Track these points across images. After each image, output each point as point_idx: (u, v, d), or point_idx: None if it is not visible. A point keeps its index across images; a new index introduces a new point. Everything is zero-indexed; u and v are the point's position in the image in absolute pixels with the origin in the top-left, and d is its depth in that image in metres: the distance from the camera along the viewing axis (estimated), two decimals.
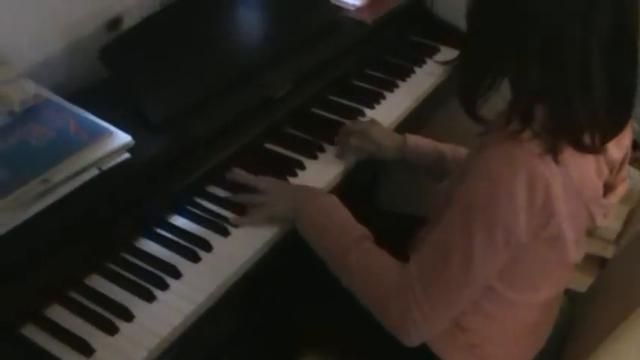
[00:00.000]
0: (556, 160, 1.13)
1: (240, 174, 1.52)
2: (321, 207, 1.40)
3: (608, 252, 2.34)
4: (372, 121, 1.68)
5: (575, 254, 1.27)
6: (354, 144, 1.62)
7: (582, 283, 1.69)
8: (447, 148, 1.66)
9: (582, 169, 1.19)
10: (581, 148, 1.16)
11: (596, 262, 2.30)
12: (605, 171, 1.27)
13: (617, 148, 1.27)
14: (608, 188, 1.29)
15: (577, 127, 1.15)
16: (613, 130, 1.20)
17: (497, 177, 1.14)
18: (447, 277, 1.20)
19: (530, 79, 1.14)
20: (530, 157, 1.13)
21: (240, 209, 1.44)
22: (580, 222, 1.24)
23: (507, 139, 1.15)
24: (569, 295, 1.57)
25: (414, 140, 1.66)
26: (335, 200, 1.42)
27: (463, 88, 1.25)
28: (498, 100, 1.26)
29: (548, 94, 1.15)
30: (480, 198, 1.16)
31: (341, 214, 1.39)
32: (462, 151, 1.65)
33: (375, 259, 1.30)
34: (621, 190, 1.31)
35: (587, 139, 1.16)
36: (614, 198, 1.30)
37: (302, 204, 1.41)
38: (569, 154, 1.15)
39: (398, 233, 1.45)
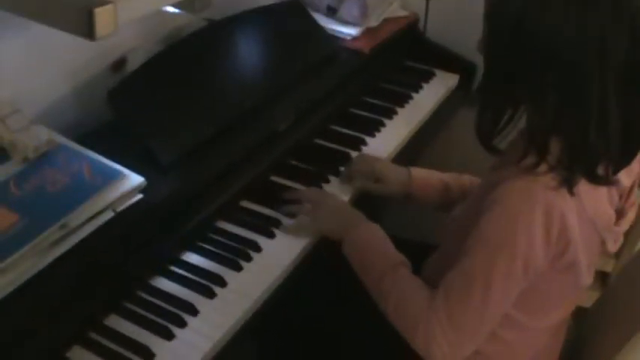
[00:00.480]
0: (571, 193, 1.17)
1: (291, 192, 1.59)
2: (367, 232, 1.46)
3: (609, 266, 2.38)
4: (376, 159, 1.72)
5: (588, 279, 1.31)
6: (359, 184, 1.66)
7: (585, 297, 1.72)
8: (451, 179, 1.69)
9: (595, 199, 1.24)
10: (596, 180, 1.20)
11: (597, 276, 2.33)
12: (616, 198, 1.31)
13: (627, 175, 1.31)
14: (618, 214, 1.33)
15: (593, 160, 1.19)
16: (625, 160, 1.25)
17: (515, 212, 1.19)
18: (469, 307, 1.24)
19: (548, 113, 1.18)
20: (546, 191, 1.17)
21: (252, 246, 1.47)
22: (593, 249, 1.28)
23: (523, 173, 1.19)
24: (575, 311, 1.60)
25: (419, 174, 1.69)
26: (377, 227, 1.47)
27: (481, 123, 1.28)
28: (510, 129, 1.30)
29: (565, 128, 1.19)
30: (499, 232, 1.21)
31: (383, 240, 1.44)
32: (465, 179, 1.69)
33: (407, 285, 1.34)
34: (631, 215, 1.36)
35: (600, 170, 1.20)
36: (625, 224, 1.34)
37: (351, 226, 1.47)
38: (582, 185, 1.19)
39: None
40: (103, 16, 0.98)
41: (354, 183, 1.67)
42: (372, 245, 1.44)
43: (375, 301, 1.38)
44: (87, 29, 0.99)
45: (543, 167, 1.19)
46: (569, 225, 1.19)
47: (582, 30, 1.13)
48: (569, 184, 1.18)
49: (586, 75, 1.14)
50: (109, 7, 0.99)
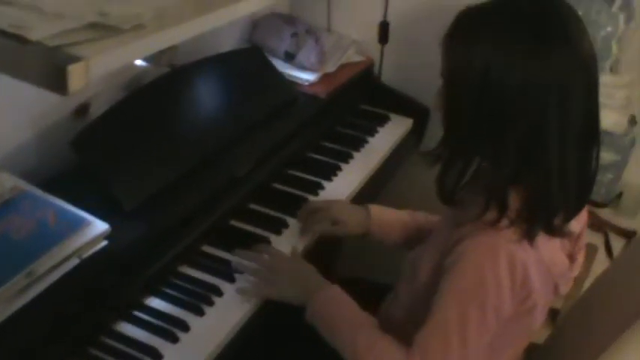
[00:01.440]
0: (531, 244, 1.22)
1: (246, 253, 1.56)
2: (331, 297, 1.44)
3: (559, 303, 2.44)
4: (333, 202, 1.75)
5: (541, 320, 1.36)
6: (316, 227, 1.68)
7: (536, 334, 1.76)
8: (407, 216, 1.74)
9: (551, 248, 1.30)
10: (553, 231, 1.26)
11: (548, 314, 2.39)
12: (567, 245, 1.37)
13: (576, 220, 1.36)
14: (570, 259, 1.39)
15: (552, 211, 1.25)
16: (577, 209, 1.31)
17: (481, 265, 1.24)
18: (448, 357, 1.26)
19: (509, 167, 1.23)
20: (508, 244, 1.23)
21: (214, 290, 1.49)
22: (549, 294, 1.34)
23: (485, 228, 1.24)
24: (527, 348, 1.64)
25: (377, 213, 1.73)
26: (339, 289, 1.46)
27: (444, 180, 1.32)
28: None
29: (526, 182, 1.24)
30: (469, 287, 1.25)
31: (348, 303, 1.43)
32: (420, 216, 1.73)
33: (381, 345, 1.33)
34: (581, 259, 1.41)
35: (557, 221, 1.26)
36: (576, 269, 1.40)
37: (313, 292, 1.44)
38: (539, 236, 1.25)
39: (364, 299, 1.52)
40: (76, 72, 1.01)
41: (312, 227, 1.69)
42: (339, 309, 1.43)
43: None
44: (60, 85, 1.01)
45: (504, 222, 1.24)
46: (530, 274, 1.24)
47: (545, 86, 1.19)
48: (529, 237, 1.24)
49: (547, 130, 1.20)
50: (81, 64, 1.02)
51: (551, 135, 1.20)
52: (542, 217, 1.25)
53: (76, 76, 1.01)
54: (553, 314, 2.40)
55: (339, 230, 1.71)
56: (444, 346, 1.26)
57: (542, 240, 1.27)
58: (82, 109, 1.67)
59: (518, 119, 1.20)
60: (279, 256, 1.56)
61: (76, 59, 1.01)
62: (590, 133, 1.25)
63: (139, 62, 1.76)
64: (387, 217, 1.73)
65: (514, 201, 1.25)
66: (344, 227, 1.70)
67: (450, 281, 1.27)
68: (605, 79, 1.53)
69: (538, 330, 1.46)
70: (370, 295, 1.59)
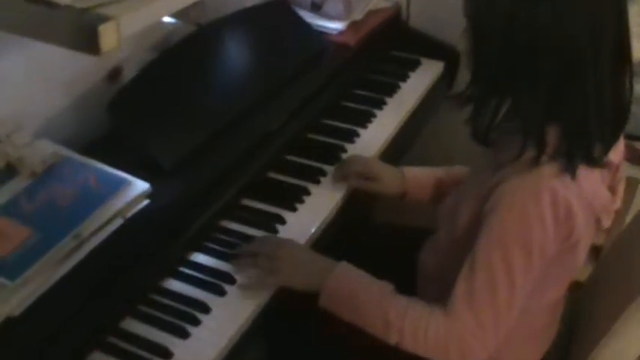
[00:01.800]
0: (573, 178, 1.22)
1: (245, 248, 1.48)
2: (343, 274, 1.40)
3: (600, 239, 2.43)
4: (369, 159, 1.74)
5: (584, 258, 1.36)
6: (354, 183, 1.68)
7: (579, 272, 1.76)
8: (443, 173, 1.72)
9: (592, 181, 1.28)
10: (593, 162, 1.25)
11: (590, 251, 2.38)
12: (607, 176, 1.35)
13: (614, 151, 1.34)
14: (610, 191, 1.38)
15: (590, 142, 1.23)
16: (614, 139, 1.29)
17: (524, 207, 1.22)
18: (497, 308, 1.26)
19: (544, 102, 1.21)
20: (549, 181, 1.21)
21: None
22: (590, 229, 1.33)
23: (524, 168, 1.23)
24: (571, 286, 1.64)
25: (412, 174, 1.72)
26: (346, 264, 1.42)
27: (478, 120, 1.30)
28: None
29: (563, 115, 1.22)
30: (513, 230, 1.24)
31: (362, 276, 1.40)
32: (456, 170, 1.71)
33: (415, 311, 1.32)
34: (621, 190, 1.40)
35: (595, 152, 1.25)
36: (618, 201, 1.39)
37: (322, 275, 1.40)
38: (579, 169, 1.23)
39: (401, 245, 1.52)
40: (107, 32, 1.02)
41: (349, 182, 1.69)
42: (355, 285, 1.38)
43: (381, 338, 1.34)
44: (92, 46, 1.02)
45: (543, 158, 1.22)
46: (573, 210, 1.22)
47: (575, 16, 1.16)
48: (570, 170, 1.22)
49: (582, 59, 1.18)
50: (111, 23, 1.03)
51: (586, 66, 1.18)
52: (581, 150, 1.23)
53: (108, 35, 1.02)
54: (595, 251, 2.40)
55: (374, 186, 1.70)
56: (492, 295, 1.26)
57: (583, 173, 1.24)
58: (115, 73, 1.69)
59: (551, 52, 1.18)
60: (277, 243, 1.48)
61: (105, 19, 1.02)
62: (623, 60, 1.23)
63: (167, 20, 1.76)
64: (421, 177, 1.72)
65: (551, 137, 1.23)
66: (379, 184, 1.69)
67: (491, 225, 1.26)
68: (633, 9, 1.50)
69: (580, 267, 1.46)
70: (408, 239, 1.60)
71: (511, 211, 1.24)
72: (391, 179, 1.71)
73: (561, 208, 1.22)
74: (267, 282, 1.42)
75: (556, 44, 1.18)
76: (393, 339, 1.33)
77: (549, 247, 1.25)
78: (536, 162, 1.22)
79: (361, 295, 1.37)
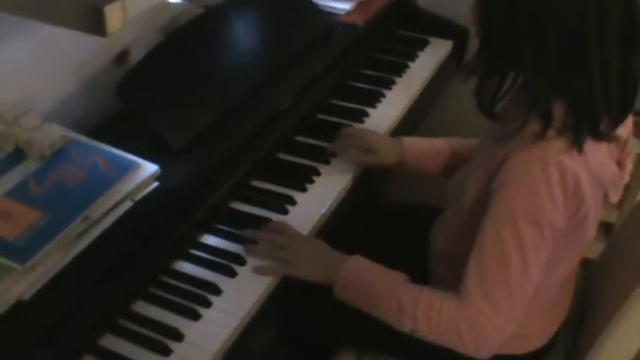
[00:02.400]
0: (580, 152, 1.21)
1: (259, 235, 1.48)
2: (358, 266, 1.42)
3: (612, 216, 2.43)
4: (367, 131, 1.74)
5: (593, 232, 1.35)
6: (353, 157, 1.68)
7: (591, 249, 1.76)
8: (443, 143, 1.72)
9: (599, 154, 1.27)
10: (600, 136, 1.24)
11: (601, 227, 2.38)
12: (615, 151, 1.35)
13: (623, 127, 1.33)
14: (618, 166, 1.37)
15: (597, 116, 1.22)
16: (623, 113, 1.28)
17: (533, 182, 1.22)
18: (509, 285, 1.26)
19: (550, 75, 1.21)
20: (557, 155, 1.20)
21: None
22: (598, 203, 1.32)
23: (531, 142, 1.22)
24: (582, 263, 1.63)
25: (411, 142, 1.72)
26: (360, 257, 1.43)
27: (482, 91, 1.30)
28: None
29: (569, 88, 1.21)
30: (523, 205, 1.23)
31: (375, 267, 1.41)
32: (455, 142, 1.72)
33: (428, 298, 1.32)
34: (630, 165, 1.39)
35: (603, 127, 1.24)
36: (626, 176, 1.38)
37: (335, 268, 1.41)
38: (587, 144, 1.23)
39: (412, 224, 1.52)
40: (112, 12, 1.02)
41: (348, 157, 1.69)
42: (369, 275, 1.39)
43: (396, 326, 1.36)
44: (98, 27, 1.02)
45: (550, 133, 1.22)
46: (581, 183, 1.22)
47: None
48: (577, 144, 1.22)
49: (587, 32, 1.17)
50: (117, 3, 1.02)
51: (591, 39, 1.17)
52: (587, 124, 1.23)
53: (113, 16, 1.02)
54: (607, 228, 2.40)
55: (372, 160, 1.69)
56: (504, 273, 1.25)
57: (590, 147, 1.24)
58: (123, 56, 1.68)
59: (556, 26, 1.18)
60: (290, 235, 1.47)
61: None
62: (631, 36, 1.22)
63: (174, 1, 1.75)
64: (420, 146, 1.72)
65: (558, 111, 1.23)
66: (377, 156, 1.69)
67: (500, 200, 1.26)
68: None
69: (592, 244, 1.45)
70: (420, 218, 1.60)
71: (519, 186, 1.24)
72: (389, 149, 1.70)
73: (570, 182, 1.21)
74: (280, 272, 1.42)
75: (560, 18, 1.18)
76: (407, 326, 1.33)
77: (559, 221, 1.25)
78: (542, 135, 1.22)
79: (375, 283, 1.37)
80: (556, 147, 1.22)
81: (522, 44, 1.22)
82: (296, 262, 1.43)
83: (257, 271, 1.41)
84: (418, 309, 1.31)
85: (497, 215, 1.26)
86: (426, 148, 1.72)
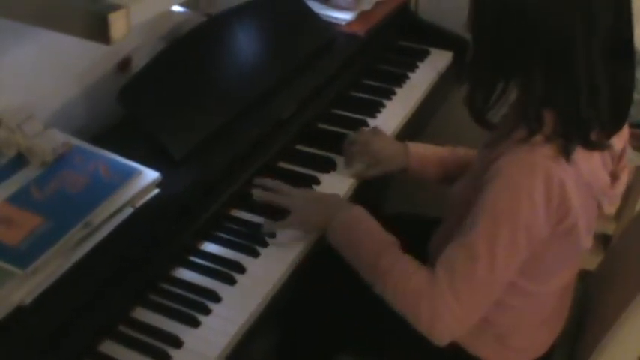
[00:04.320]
0: (568, 160, 1.22)
1: (264, 194, 1.56)
2: (351, 216, 1.46)
3: (610, 228, 2.43)
4: (373, 133, 1.75)
5: (587, 242, 1.36)
6: (358, 161, 1.69)
7: (589, 260, 1.77)
8: (447, 152, 1.73)
9: (590, 164, 1.28)
10: (590, 146, 1.25)
11: (599, 239, 2.39)
12: (609, 162, 1.36)
13: (618, 138, 1.35)
14: (612, 177, 1.38)
15: (586, 127, 1.24)
16: (615, 125, 1.29)
17: (516, 183, 1.23)
18: (474, 280, 1.27)
19: (537, 86, 1.22)
20: (545, 161, 1.22)
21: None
22: (590, 212, 1.33)
23: (520, 146, 1.23)
24: (580, 274, 1.64)
25: (416, 149, 1.73)
26: (362, 210, 1.47)
27: (472, 99, 1.32)
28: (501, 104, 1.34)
29: (556, 99, 1.23)
30: (502, 204, 1.25)
31: (370, 222, 1.45)
32: (460, 151, 1.73)
33: (405, 264, 1.35)
34: (624, 177, 1.40)
35: (593, 136, 1.25)
36: (620, 187, 1.39)
37: (334, 214, 1.46)
38: (578, 152, 1.24)
39: (412, 235, 1.52)
40: (117, 20, 1.02)
41: (354, 168, 1.70)
42: (361, 227, 1.44)
43: (368, 283, 1.39)
44: (102, 35, 1.03)
45: (539, 138, 1.23)
46: (568, 192, 1.23)
47: (564, 6, 1.18)
48: (566, 153, 1.23)
49: (574, 45, 1.19)
50: (122, 11, 1.03)
51: (577, 51, 1.19)
52: (576, 133, 1.24)
53: (118, 24, 1.03)
54: (605, 240, 2.40)
55: (377, 171, 1.71)
56: (471, 265, 1.27)
57: (581, 156, 1.25)
58: (125, 64, 1.69)
59: (540, 35, 1.20)
60: (291, 191, 1.56)
61: (115, 7, 1.02)
62: (621, 48, 1.23)
63: (177, 9, 1.77)
64: (425, 153, 1.73)
65: (548, 118, 1.24)
66: (383, 163, 1.70)
67: (483, 199, 1.27)
68: None
69: (589, 256, 1.46)
70: (420, 229, 1.60)
71: (502, 186, 1.25)
72: (393, 154, 1.71)
73: (555, 190, 1.22)
74: (293, 224, 1.48)
75: (548, 31, 1.19)
76: (378, 284, 1.36)
77: (538, 227, 1.25)
78: (529, 140, 1.23)
79: (361, 240, 1.42)
80: (545, 153, 1.23)
81: (510, 55, 1.24)
82: (301, 209, 1.50)
83: (266, 225, 1.49)
84: (392, 273, 1.34)
85: (477, 211, 1.28)
86: (430, 156, 1.73)
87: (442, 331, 1.31)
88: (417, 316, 1.32)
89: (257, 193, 1.56)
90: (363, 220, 1.46)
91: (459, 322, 1.30)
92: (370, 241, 1.41)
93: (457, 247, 1.30)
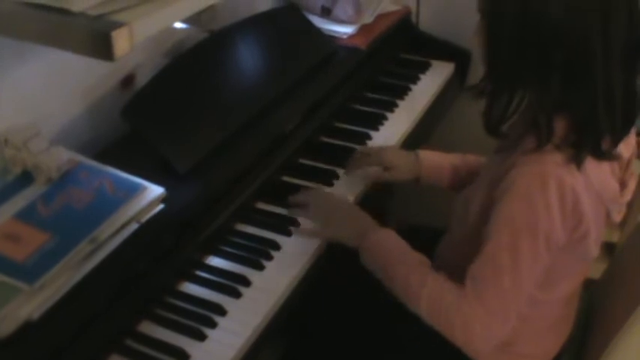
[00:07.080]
0: (579, 168, 1.23)
1: (298, 197, 1.61)
2: (384, 237, 1.47)
3: (615, 237, 2.43)
4: (382, 148, 1.76)
5: (595, 251, 1.37)
6: (369, 173, 1.71)
7: (594, 269, 1.77)
8: (457, 159, 1.74)
9: (600, 172, 1.29)
10: (601, 155, 1.26)
11: (604, 247, 2.38)
12: (618, 170, 1.36)
13: (626, 146, 1.36)
14: (620, 185, 1.38)
15: (599, 134, 1.25)
16: (624, 130, 1.30)
17: (531, 193, 1.24)
18: (501, 292, 1.28)
19: (554, 93, 1.23)
20: (555, 168, 1.23)
21: (272, 245, 1.53)
22: (600, 221, 1.34)
23: (530, 155, 1.25)
24: (585, 282, 1.64)
25: (427, 157, 1.74)
26: (390, 230, 1.49)
27: (491, 112, 1.33)
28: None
29: (573, 106, 1.24)
30: (519, 216, 1.26)
31: (400, 242, 1.46)
32: (470, 158, 1.74)
33: (435, 282, 1.35)
34: (632, 185, 1.41)
35: (604, 145, 1.26)
36: (628, 194, 1.40)
37: (367, 233, 1.47)
38: (587, 161, 1.25)
39: (416, 246, 1.53)
40: (120, 37, 1.04)
41: (364, 174, 1.72)
42: (392, 249, 1.45)
43: (404, 304, 1.40)
44: (106, 52, 1.04)
45: (549, 146, 1.24)
46: (580, 199, 1.24)
47: (587, 14, 1.18)
48: (577, 161, 1.24)
49: (592, 54, 1.20)
50: (124, 29, 1.04)
51: (596, 58, 1.20)
52: (589, 141, 1.25)
53: (121, 41, 1.04)
54: (609, 248, 2.40)
55: (390, 176, 1.72)
56: (497, 277, 1.28)
57: (591, 165, 1.26)
58: (129, 80, 1.70)
59: (561, 46, 1.20)
60: (326, 196, 1.60)
61: (118, 25, 1.04)
62: (635, 54, 1.24)
63: (179, 26, 1.78)
64: (436, 161, 1.74)
65: (559, 127, 1.25)
66: (395, 172, 1.72)
67: (500, 211, 1.28)
68: None
69: (594, 264, 1.46)
70: (425, 240, 1.61)
71: (519, 197, 1.26)
72: (405, 164, 1.73)
73: (568, 197, 1.23)
74: (321, 233, 1.54)
75: (566, 41, 1.20)
76: (412, 303, 1.37)
77: (557, 235, 1.27)
78: (537, 149, 1.24)
79: (392, 259, 1.43)
80: (556, 161, 1.24)
81: (528, 65, 1.24)
82: (334, 224, 1.53)
83: (300, 233, 1.55)
84: (422, 294, 1.35)
85: (497, 225, 1.29)
86: (441, 164, 1.74)
87: (476, 343, 1.33)
88: (452, 331, 1.33)
89: (292, 212, 1.60)
90: (394, 241, 1.46)
91: (492, 332, 1.32)
92: (402, 262, 1.42)
93: (482, 261, 1.31)
